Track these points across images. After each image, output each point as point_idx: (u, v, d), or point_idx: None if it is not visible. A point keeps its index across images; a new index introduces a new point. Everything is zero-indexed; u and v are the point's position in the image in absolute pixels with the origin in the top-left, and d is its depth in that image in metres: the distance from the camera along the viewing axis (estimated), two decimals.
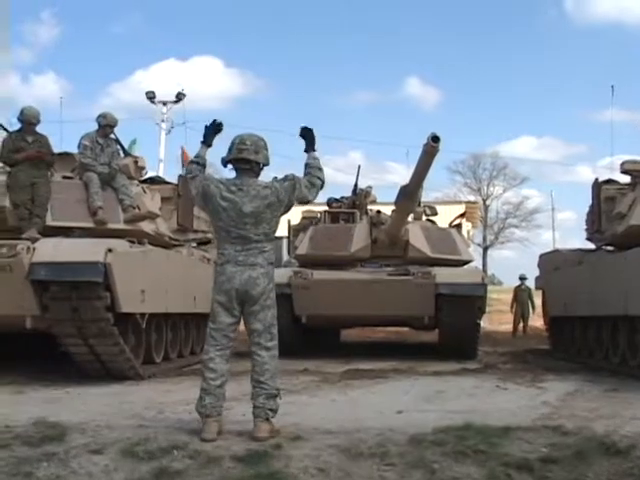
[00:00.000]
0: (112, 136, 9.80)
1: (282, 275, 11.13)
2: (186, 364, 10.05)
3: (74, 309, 7.56)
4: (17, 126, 8.98)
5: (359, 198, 13.27)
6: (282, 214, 5.31)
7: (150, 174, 12.07)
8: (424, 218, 13.51)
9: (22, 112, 8.82)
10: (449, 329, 11.23)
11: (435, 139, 8.87)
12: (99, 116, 9.53)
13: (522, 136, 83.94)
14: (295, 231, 13.27)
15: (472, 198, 48.39)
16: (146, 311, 8.54)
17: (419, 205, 13.76)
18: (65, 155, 9.92)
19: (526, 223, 52.96)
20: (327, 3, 75.83)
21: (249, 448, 4.76)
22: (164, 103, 27.40)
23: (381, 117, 76.75)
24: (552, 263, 12.23)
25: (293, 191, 5.23)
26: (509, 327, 19.59)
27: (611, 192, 10.25)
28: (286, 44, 77.01)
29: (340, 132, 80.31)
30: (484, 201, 52.61)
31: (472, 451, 4.73)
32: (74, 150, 9.63)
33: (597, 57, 72.50)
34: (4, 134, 9.01)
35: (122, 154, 10.12)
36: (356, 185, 13.69)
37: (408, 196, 10.40)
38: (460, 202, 37.10)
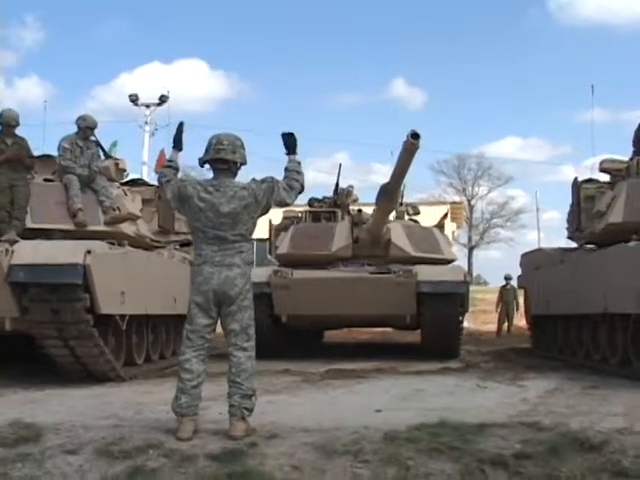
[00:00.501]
0: (92, 138, 9.81)
1: (261, 274, 11.11)
2: (168, 365, 10.02)
3: (54, 311, 7.53)
4: None
5: (340, 198, 13.20)
6: (260, 215, 5.33)
7: (133, 176, 12.12)
8: (406, 217, 13.48)
9: (1, 115, 8.80)
10: (431, 328, 11.14)
11: (415, 136, 8.77)
12: (79, 118, 9.54)
13: (507, 137, 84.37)
14: (276, 231, 13.23)
15: (457, 198, 48.68)
16: (126, 312, 8.51)
17: (401, 204, 13.72)
18: (46, 158, 9.93)
19: (511, 223, 53.37)
20: (312, 5, 76.11)
21: (224, 447, 4.77)
22: (147, 106, 27.41)
23: (367, 118, 77.18)
24: (534, 262, 12.30)
25: (271, 193, 5.24)
26: (493, 327, 19.67)
27: (590, 191, 10.33)
28: (271, 46, 77.25)
29: (326, 134, 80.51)
30: (469, 201, 52.89)
31: (447, 447, 4.75)
32: (56, 153, 9.63)
33: (581, 58, 73.02)
34: None
35: (103, 156, 10.14)
36: (337, 185, 13.63)
37: (389, 194, 10.27)
38: (445, 203, 37.27)
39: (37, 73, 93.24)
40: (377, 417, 5.93)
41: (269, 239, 13.77)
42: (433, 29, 74.28)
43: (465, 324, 22.01)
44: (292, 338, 12.41)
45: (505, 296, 19.12)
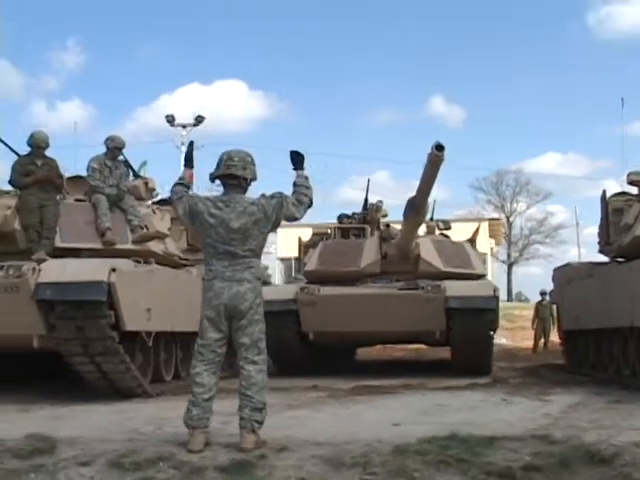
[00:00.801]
0: (121, 158, 10.01)
1: (288, 291, 11.16)
2: None
3: (79, 328, 7.69)
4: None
5: (370, 213, 13.12)
6: (270, 231, 5.43)
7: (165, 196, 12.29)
8: (437, 232, 13.39)
9: (32, 136, 9.02)
10: (460, 344, 10.98)
11: (439, 148, 8.67)
12: (107, 139, 9.74)
13: (547, 152, 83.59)
14: (305, 247, 13.24)
15: (496, 215, 48.35)
16: (152, 329, 8.64)
17: (432, 219, 13.92)
18: (77, 178, 10.16)
19: (550, 239, 52.79)
20: (350, 23, 76.34)
21: (233, 458, 4.83)
22: (183, 126, 27.78)
23: (405, 136, 76.96)
24: (565, 277, 12.19)
25: (281, 208, 5.33)
26: (531, 343, 19.46)
27: (619, 204, 10.23)
28: (309, 65, 77.68)
29: (364, 151, 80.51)
30: (507, 218, 52.55)
31: (455, 460, 4.75)
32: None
33: (620, 71, 72.09)
34: (15, 158, 9.18)
35: (132, 176, 10.34)
36: (366, 200, 13.51)
37: (416, 208, 10.14)
38: (483, 219, 37.03)
39: (79, 96, 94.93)
40: (392, 430, 5.95)
41: (298, 256, 13.75)
42: (471, 45, 74.23)
43: (503, 341, 22.07)
44: (323, 356, 12.34)
45: (541, 312, 18.92)
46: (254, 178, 5.40)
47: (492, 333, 11.47)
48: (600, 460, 4.78)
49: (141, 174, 10.79)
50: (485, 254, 34.65)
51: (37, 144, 9.02)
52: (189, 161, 5.59)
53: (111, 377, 8.18)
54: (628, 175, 10.03)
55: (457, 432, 5.32)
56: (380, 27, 74.85)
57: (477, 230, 13.84)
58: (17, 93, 71.64)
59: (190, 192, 5.54)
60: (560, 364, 13.44)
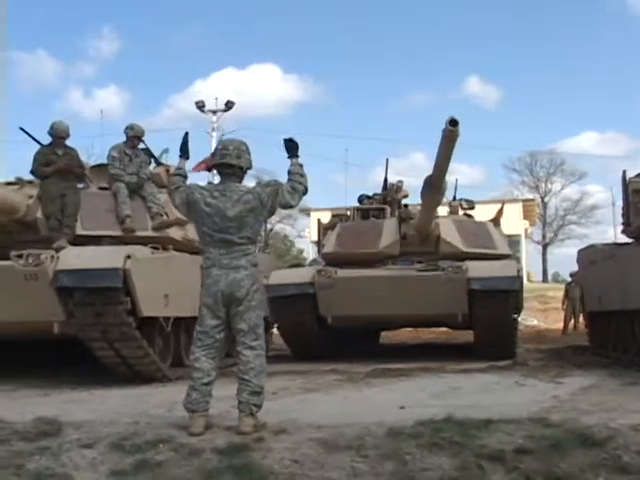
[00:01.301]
0: (142, 146, 10.18)
1: (305, 274, 10.97)
2: (220, 366, 10.26)
3: (97, 314, 7.88)
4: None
5: (390, 193, 12.82)
6: (265, 218, 5.56)
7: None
8: (461, 212, 13.14)
9: (52, 127, 9.22)
10: (483, 327, 10.72)
11: (453, 123, 8.34)
12: (127, 128, 9.91)
13: (584, 132, 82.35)
14: (324, 230, 13.05)
15: (530, 196, 47.90)
16: (170, 315, 8.81)
17: (454, 199, 13.75)
18: (101, 167, 10.36)
19: (585, 219, 52.18)
20: (384, 4, 75.78)
21: (231, 441, 4.97)
22: (214, 112, 27.94)
23: (442, 117, 75.77)
24: (588, 258, 12.10)
25: (276, 196, 5.43)
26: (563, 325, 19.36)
27: (638, 185, 10.11)
28: (343, 48, 77.63)
29: (400, 133, 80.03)
30: (542, 198, 52.05)
31: (447, 443, 4.82)
32: None
33: None
34: (37, 148, 9.38)
35: (154, 163, 10.51)
36: (386, 180, 13.21)
37: (433, 187, 9.75)
38: (517, 200, 36.75)
39: (115, 83, 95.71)
40: (397, 414, 6.00)
41: (318, 239, 13.55)
42: (505, 25, 73.28)
43: (535, 322, 21.96)
44: (343, 341, 12.21)
45: (571, 293, 18.78)
46: (249, 167, 5.51)
47: (516, 315, 11.20)
48: (593, 443, 4.82)
49: (162, 161, 10.94)
50: (518, 235, 34.56)
51: (58, 134, 9.22)
52: (185, 151, 5.71)
53: (130, 362, 8.37)
54: None
55: (453, 415, 5.38)
56: (414, 8, 74.25)
57: (501, 210, 13.50)
58: (53, 81, 72.54)
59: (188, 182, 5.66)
60: (586, 346, 13.39)
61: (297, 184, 5.46)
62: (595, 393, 7.27)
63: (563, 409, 6.16)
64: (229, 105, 27.35)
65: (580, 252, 12.97)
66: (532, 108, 74.74)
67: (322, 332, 11.15)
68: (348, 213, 12.88)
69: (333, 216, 13.19)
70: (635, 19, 70.48)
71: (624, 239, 11.00)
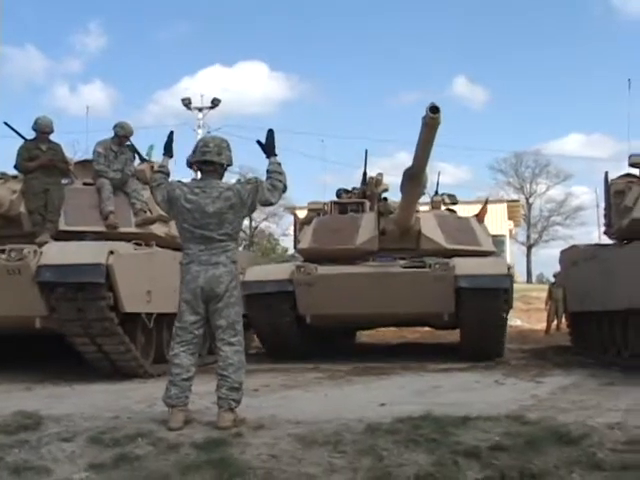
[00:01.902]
0: (127, 143, 10.17)
1: (283, 270, 10.51)
2: (201, 363, 10.26)
3: (79, 309, 7.91)
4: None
5: (369, 187, 12.24)
6: (245, 215, 5.63)
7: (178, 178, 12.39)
8: (443, 208, 12.61)
9: (36, 122, 9.21)
10: (471, 327, 10.29)
11: (434, 109, 7.92)
12: (116, 126, 9.90)
13: (571, 134, 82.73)
14: (301, 225, 12.66)
15: (515, 197, 48.14)
16: (152, 311, 8.82)
17: (437, 193, 13.13)
18: (86, 162, 10.36)
19: (570, 220, 52.47)
20: (371, 4, 75.83)
21: (209, 436, 5.00)
22: (200, 109, 27.98)
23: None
24: (570, 259, 12.19)
25: (256, 193, 5.49)
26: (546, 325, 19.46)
27: (620, 186, 10.18)
28: (331, 47, 77.38)
29: (387, 133, 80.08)
30: (527, 199, 52.34)
31: (424, 439, 4.86)
32: None
33: None
34: (21, 143, 9.36)
35: (139, 160, 10.50)
36: (365, 173, 12.53)
37: (413, 179, 9.27)
38: (502, 201, 36.91)
39: (101, 79, 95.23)
40: (376, 411, 6.04)
41: (294, 234, 13.13)
42: (493, 26, 73.38)
43: (518, 322, 22.04)
44: (321, 339, 11.84)
45: (554, 293, 18.83)
46: (230, 164, 5.56)
47: (505, 315, 10.67)
48: (568, 441, 4.85)
49: (148, 158, 10.93)
50: (503, 236, 34.60)
51: (42, 129, 9.21)
52: (169, 149, 5.74)
53: (112, 357, 8.40)
54: (630, 157, 10.03)
55: (431, 412, 5.44)
56: (402, 8, 74.37)
57: (484, 206, 12.98)
58: (40, 76, 72.24)
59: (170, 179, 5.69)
60: (568, 346, 13.48)
61: (277, 182, 5.52)
62: (574, 392, 7.34)
63: (541, 407, 6.23)
64: (215, 103, 27.42)
65: (562, 253, 13.07)
66: (519, 109, 75.20)
67: (300, 332, 10.71)
68: (325, 208, 12.24)
69: (309, 211, 12.55)
70: (621, 22, 70.87)
71: (608, 240, 11.08)
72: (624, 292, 8.77)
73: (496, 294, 10.00)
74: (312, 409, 6.17)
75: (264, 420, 5.48)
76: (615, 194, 10.23)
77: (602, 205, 11.30)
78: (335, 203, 12.25)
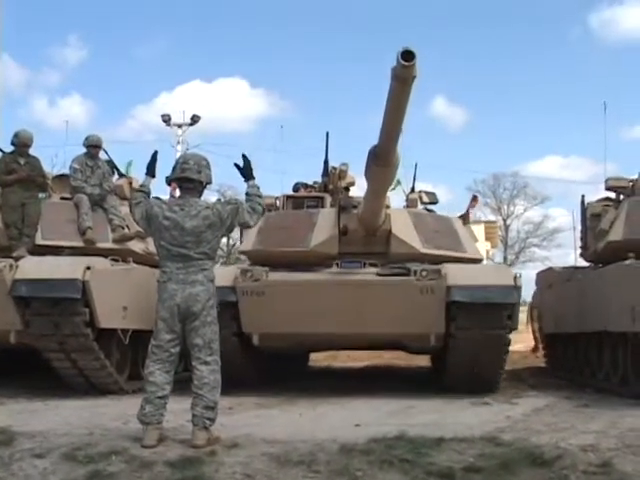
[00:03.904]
0: (105, 158, 10.16)
1: (225, 275, 8.15)
2: (176, 380, 10.21)
3: (55, 324, 7.87)
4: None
5: (332, 180, 10.12)
6: (223, 235, 5.67)
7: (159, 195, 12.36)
8: (420, 206, 10.42)
9: (16, 135, 9.18)
10: (464, 353, 8.28)
11: (407, 55, 5.83)
12: (85, 139, 9.89)
13: (548, 156, 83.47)
14: None
15: (493, 218, 48.50)
16: (128, 327, 8.77)
17: (413, 190, 11.09)
18: (63, 177, 10.31)
19: (547, 242, 52.88)
20: (351, 25, 76.24)
21: (183, 454, 5.00)
22: (179, 126, 28.02)
23: (409, 137, 76.58)
24: (546, 281, 12.29)
25: (236, 215, 5.54)
26: (522, 346, 19.44)
27: (597, 209, 10.32)
28: (311, 65, 77.58)
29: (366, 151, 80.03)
30: (504, 220, 52.75)
31: (398, 460, 4.89)
32: None
33: (624, 75, 71.89)
34: None
35: (117, 175, 10.48)
36: (326, 162, 10.42)
37: (380, 158, 7.15)
38: (479, 222, 37.04)
39: (79, 92, 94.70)
40: (351, 431, 6.03)
41: (240, 233, 11.03)
42: (473, 47, 74.02)
43: None
44: (270, 363, 9.75)
45: (534, 314, 18.90)
46: (209, 182, 5.58)
47: (509, 337, 8.55)
48: (541, 463, 4.91)
49: (126, 174, 10.91)
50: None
51: (23, 142, 9.19)
52: (151, 169, 5.75)
53: (86, 373, 8.35)
54: (606, 181, 10.16)
55: (406, 433, 5.45)
56: (382, 28, 74.83)
57: (472, 202, 11.53)
58: (18, 89, 71.84)
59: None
60: (544, 367, 13.52)
61: (256, 205, 5.62)
62: (548, 414, 7.38)
63: (516, 429, 6.26)
64: (195, 119, 27.48)
65: (538, 275, 13.16)
66: (497, 130, 75.55)
67: (245, 356, 8.61)
68: (277, 203, 10.24)
69: None
70: (598, 46, 71.73)
71: (584, 262, 11.18)
72: (599, 314, 8.85)
73: (500, 311, 8.10)
74: (287, 428, 6.16)
75: (239, 439, 5.48)
76: (591, 217, 10.36)
77: (579, 227, 11.33)
78: (289, 197, 10.31)
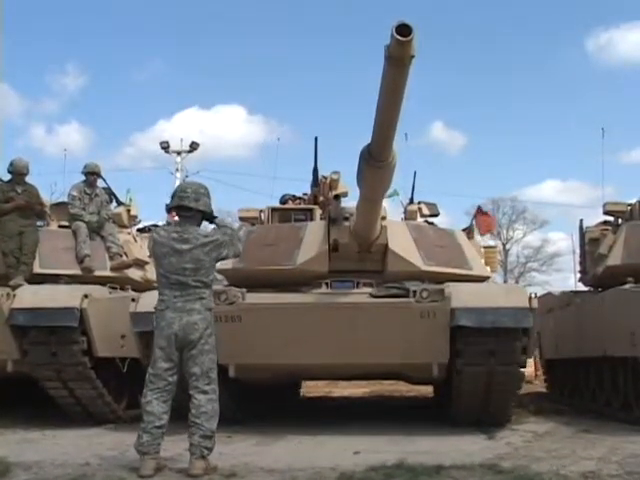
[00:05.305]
0: (104, 186, 10.18)
1: None
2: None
3: (52, 353, 7.84)
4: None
5: (322, 190, 9.28)
6: (217, 262, 5.63)
7: (154, 222, 12.33)
8: (420, 219, 9.65)
9: (12, 164, 9.20)
10: (472, 385, 7.46)
11: (403, 29, 4.89)
12: (83, 167, 9.92)
13: (546, 180, 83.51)
14: None
15: (492, 243, 48.46)
16: (126, 356, 8.72)
17: (412, 201, 10.29)
18: (62, 204, 10.32)
19: (547, 267, 52.81)
20: (346, 48, 76.57)
21: None
22: (178, 153, 28.09)
23: (406, 163, 76.72)
24: (545, 305, 12.22)
25: (231, 245, 5.58)
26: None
27: (595, 233, 10.32)
28: (310, 90, 77.73)
29: None
30: (504, 245, 52.71)
31: None
32: None
33: (621, 99, 72.18)
34: None
35: (115, 203, 10.49)
36: (316, 170, 9.47)
37: (374, 158, 6.14)
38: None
39: (77, 120, 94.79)
40: (350, 459, 6.01)
41: None
42: (471, 71, 74.33)
43: None
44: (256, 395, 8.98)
45: None
46: (208, 210, 5.58)
47: (523, 372, 7.81)
48: None
49: (126, 202, 10.91)
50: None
51: (19, 171, 9.19)
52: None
53: (84, 402, 8.32)
54: (604, 205, 10.16)
55: (405, 460, 5.41)
56: (377, 53, 75.09)
57: (477, 214, 11.18)
58: (17, 117, 71.96)
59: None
60: (545, 392, 13.46)
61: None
62: (549, 440, 7.33)
63: (516, 456, 6.22)
64: (194, 146, 27.56)
65: (538, 299, 13.09)
66: (496, 155, 75.72)
67: (221, 387, 6.40)
68: (262, 216, 9.30)
69: (240, 219, 9.60)
70: (596, 71, 72.02)
71: (584, 287, 11.15)
72: (599, 339, 8.82)
73: (514, 337, 7.19)
74: (285, 457, 6.12)
75: (237, 468, 5.45)
76: (590, 241, 10.35)
77: (578, 251, 11.33)
78: (274, 210, 9.29)
